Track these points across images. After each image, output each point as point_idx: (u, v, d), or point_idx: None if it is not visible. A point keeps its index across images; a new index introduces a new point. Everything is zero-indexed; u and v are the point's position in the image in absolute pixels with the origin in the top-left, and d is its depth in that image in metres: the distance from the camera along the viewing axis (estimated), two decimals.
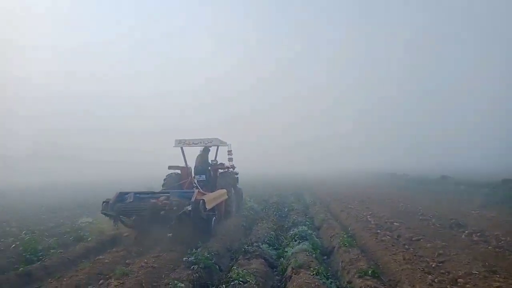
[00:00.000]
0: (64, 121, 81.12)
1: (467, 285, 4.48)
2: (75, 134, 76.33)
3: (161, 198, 7.40)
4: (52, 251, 6.93)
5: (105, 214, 7.59)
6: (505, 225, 7.95)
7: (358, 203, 13.26)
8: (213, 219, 8.36)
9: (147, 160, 63.90)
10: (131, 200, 7.72)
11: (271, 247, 6.91)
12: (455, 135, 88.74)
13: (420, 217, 9.44)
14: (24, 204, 16.76)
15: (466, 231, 7.32)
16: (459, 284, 4.57)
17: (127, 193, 7.99)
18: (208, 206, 7.61)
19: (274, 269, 6.05)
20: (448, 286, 4.52)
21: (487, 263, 5.24)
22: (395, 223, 8.46)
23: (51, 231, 9.20)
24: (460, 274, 4.83)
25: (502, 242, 6.38)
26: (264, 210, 12.43)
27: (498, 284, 4.42)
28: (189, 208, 7.02)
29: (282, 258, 6.31)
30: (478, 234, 7.02)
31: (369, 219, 9.22)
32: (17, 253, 6.63)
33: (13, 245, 7.17)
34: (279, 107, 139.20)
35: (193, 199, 7.31)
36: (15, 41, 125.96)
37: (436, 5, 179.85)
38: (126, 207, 7.53)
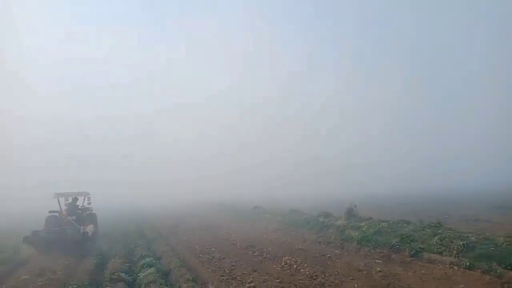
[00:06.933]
0: None
1: (240, 279, 8.58)
2: None
3: None
4: None
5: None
6: (277, 243, 13.09)
7: (191, 234, 17.01)
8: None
9: None
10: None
11: (127, 274, 9.68)
12: None
13: (230, 243, 13.82)
14: None
15: (254, 250, 11.93)
16: (237, 279, 8.62)
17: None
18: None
19: (131, 287, 8.87)
20: (231, 281, 8.51)
21: (255, 267, 9.60)
22: (212, 249, 12.54)
23: None
24: (239, 274, 8.99)
25: (269, 254, 11.12)
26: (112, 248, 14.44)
27: (254, 276, 8.72)
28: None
29: (136, 280, 9.18)
30: (259, 251, 11.69)
31: (196, 247, 13.07)
32: None
33: None
34: None
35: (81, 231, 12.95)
36: None
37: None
38: None
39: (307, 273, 8.80)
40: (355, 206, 15.52)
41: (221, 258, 10.97)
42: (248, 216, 24.05)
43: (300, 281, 8.15)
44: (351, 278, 8.30)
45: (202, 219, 25.72)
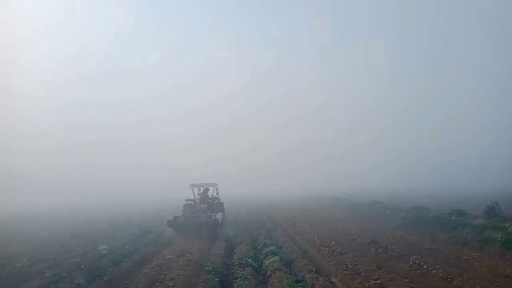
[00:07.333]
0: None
1: (365, 275, 8.40)
2: None
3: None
4: None
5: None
6: (402, 241, 12.28)
7: (309, 227, 17.35)
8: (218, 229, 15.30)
9: None
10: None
11: (254, 260, 10.52)
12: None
13: (350, 237, 13.63)
14: None
15: (377, 246, 11.49)
16: (361, 274, 8.49)
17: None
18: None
19: (258, 273, 9.69)
20: (355, 276, 8.43)
21: (380, 265, 9.26)
22: (332, 242, 12.58)
23: None
24: (363, 270, 8.81)
25: (394, 252, 10.54)
26: (238, 235, 16.02)
27: (379, 273, 8.42)
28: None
29: (262, 267, 9.95)
30: (383, 248, 11.21)
31: (315, 240, 13.28)
32: None
33: None
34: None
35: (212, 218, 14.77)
36: None
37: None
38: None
39: (440, 275, 8.12)
40: (497, 203, 13.46)
41: (342, 252, 10.97)
42: (366, 211, 23.25)
43: (433, 283, 7.58)
44: (495, 284, 7.33)
45: (317, 211, 26.07)
